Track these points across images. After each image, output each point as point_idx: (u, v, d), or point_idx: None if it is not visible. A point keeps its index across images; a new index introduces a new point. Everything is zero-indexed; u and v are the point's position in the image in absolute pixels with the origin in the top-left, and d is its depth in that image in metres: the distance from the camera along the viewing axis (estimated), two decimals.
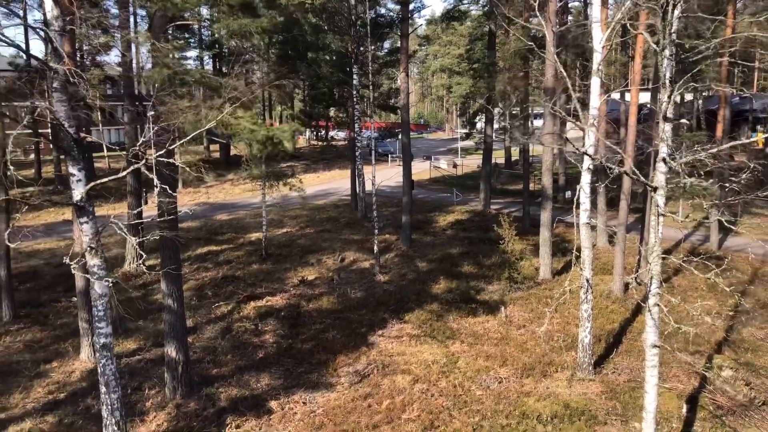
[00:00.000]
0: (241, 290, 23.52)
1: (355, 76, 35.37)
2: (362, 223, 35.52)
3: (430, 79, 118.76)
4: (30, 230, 11.01)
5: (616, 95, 37.38)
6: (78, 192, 11.72)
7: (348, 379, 16.24)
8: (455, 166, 59.08)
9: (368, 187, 35.79)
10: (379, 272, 25.39)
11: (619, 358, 17.54)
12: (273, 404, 14.86)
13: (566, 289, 14.72)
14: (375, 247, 25.76)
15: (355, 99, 36.62)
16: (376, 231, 25.90)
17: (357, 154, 37.71)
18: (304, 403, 14.97)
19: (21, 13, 34.48)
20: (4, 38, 10.49)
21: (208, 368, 16.98)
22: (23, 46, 39.84)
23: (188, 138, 11.37)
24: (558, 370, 16.65)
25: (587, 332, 16.48)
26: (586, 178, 16.13)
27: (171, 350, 15.32)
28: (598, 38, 15.64)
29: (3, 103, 14.62)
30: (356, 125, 37.42)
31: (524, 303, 21.92)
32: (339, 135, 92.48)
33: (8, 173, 16.19)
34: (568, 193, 39.13)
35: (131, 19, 30.29)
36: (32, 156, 51.65)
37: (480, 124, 63.81)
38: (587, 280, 16.33)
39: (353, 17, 35.35)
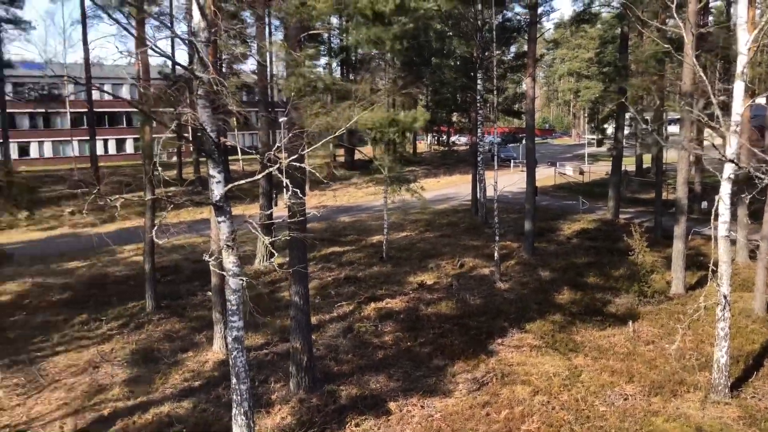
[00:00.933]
0: (362, 291, 24.04)
1: (479, 81, 35.19)
2: (482, 229, 35.23)
3: (556, 84, 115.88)
4: (174, 228, 11.86)
5: (761, 100, 34.74)
6: (217, 193, 12.48)
7: (466, 386, 16.17)
8: (582, 172, 57.21)
9: (489, 192, 35.46)
10: (499, 279, 25.09)
11: (760, 382, 16.27)
12: (391, 405, 15.07)
13: (701, 306, 13.88)
14: (495, 254, 25.47)
15: (478, 104, 36.43)
16: (497, 237, 25.61)
17: (479, 159, 37.48)
18: (422, 406, 15.06)
19: (170, 25, 37.12)
20: (156, 49, 11.44)
21: (330, 366, 17.49)
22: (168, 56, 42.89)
23: (322, 143, 11.82)
24: (690, 391, 15.71)
25: (723, 352, 15.43)
26: (726, 188, 15.13)
27: (296, 346, 15.94)
28: (744, 40, 14.64)
29: (152, 110, 15.86)
30: (479, 130, 37.20)
31: (654, 318, 20.86)
32: (460, 140, 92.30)
33: (155, 174, 17.47)
34: (705, 204, 36.80)
35: (266, 30, 31.81)
36: (174, 158, 55.47)
37: (610, 130, 61.42)
38: (724, 297, 15.30)
39: (479, 22, 35.19)
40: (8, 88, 53.85)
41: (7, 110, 50.74)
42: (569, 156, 74.86)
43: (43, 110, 65.24)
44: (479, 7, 34.73)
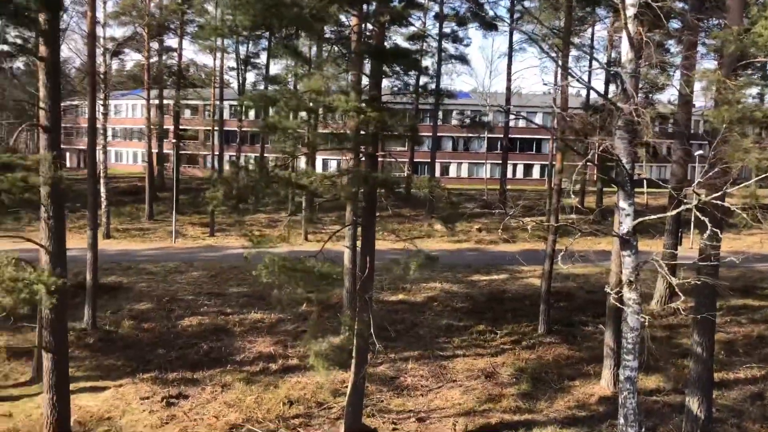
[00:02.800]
0: None
1: None
2: None
3: None
4: (580, 255, 11.97)
5: None
6: (625, 225, 12.20)
7: None
8: None
9: None
10: None
11: None
12: None
13: None
14: None
15: None
16: None
17: None
18: None
19: (596, 57, 37.69)
20: (582, 81, 11.73)
21: None
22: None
23: (755, 180, 10.66)
24: None
25: None
26: None
27: (692, 401, 14.56)
28: None
29: (570, 138, 16.33)
30: None
31: None
32: None
33: (563, 201, 17.84)
34: None
35: (695, 59, 29.95)
36: (577, 186, 55.93)
37: None
38: None
39: None
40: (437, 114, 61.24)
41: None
42: None
43: (465, 135, 72.47)
44: None
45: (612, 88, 45.03)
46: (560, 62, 18.65)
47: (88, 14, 23.98)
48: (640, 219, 12.07)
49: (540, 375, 18.91)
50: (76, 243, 25.94)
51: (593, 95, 49.61)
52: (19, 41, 17.46)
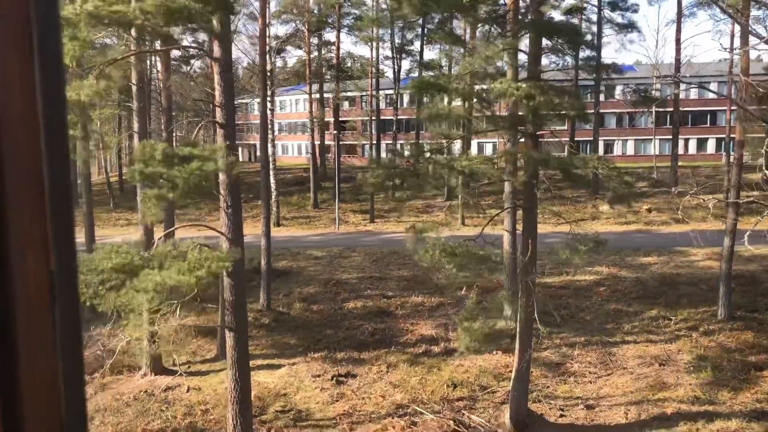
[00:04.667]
0: None
1: None
2: None
3: None
4: (767, 235, 10.86)
5: None
6: None
7: None
8: None
9: None
10: None
11: None
12: None
13: None
14: None
15: None
16: None
17: None
18: None
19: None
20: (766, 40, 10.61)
21: None
22: None
23: None
24: None
25: None
26: None
27: None
28: None
29: (754, 107, 14.86)
30: None
31: None
32: None
33: (741, 176, 16.36)
34: None
35: None
36: (760, 160, 50.83)
37: None
38: None
39: None
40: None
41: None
42: None
43: (630, 110, 68.45)
44: None
45: None
46: (741, 22, 16.89)
47: (259, 15, 25.47)
48: None
49: (721, 364, 17.53)
50: (249, 231, 27.82)
51: None
52: (194, 45, 19.02)
